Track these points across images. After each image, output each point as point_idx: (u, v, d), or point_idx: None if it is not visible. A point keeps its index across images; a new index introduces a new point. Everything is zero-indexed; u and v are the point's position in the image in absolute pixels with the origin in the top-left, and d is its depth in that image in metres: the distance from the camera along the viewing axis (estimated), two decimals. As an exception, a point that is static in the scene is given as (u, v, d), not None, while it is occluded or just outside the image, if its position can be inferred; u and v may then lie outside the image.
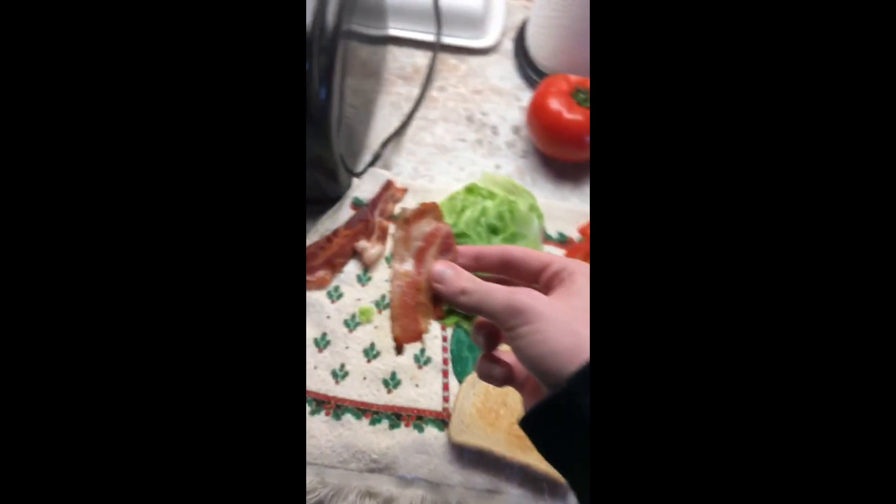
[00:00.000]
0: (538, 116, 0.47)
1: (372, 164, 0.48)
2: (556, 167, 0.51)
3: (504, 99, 0.55)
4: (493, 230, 0.44)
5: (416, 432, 0.38)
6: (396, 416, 0.39)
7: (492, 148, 0.52)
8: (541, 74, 0.54)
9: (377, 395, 0.39)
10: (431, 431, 0.38)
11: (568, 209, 0.47)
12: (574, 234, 0.46)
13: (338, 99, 0.39)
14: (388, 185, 0.47)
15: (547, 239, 0.46)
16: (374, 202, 0.46)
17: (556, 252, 0.45)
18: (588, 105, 0.46)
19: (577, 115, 0.45)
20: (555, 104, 0.46)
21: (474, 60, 0.57)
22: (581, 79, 0.47)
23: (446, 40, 0.56)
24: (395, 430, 0.38)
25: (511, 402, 0.38)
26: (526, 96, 0.55)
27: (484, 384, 0.38)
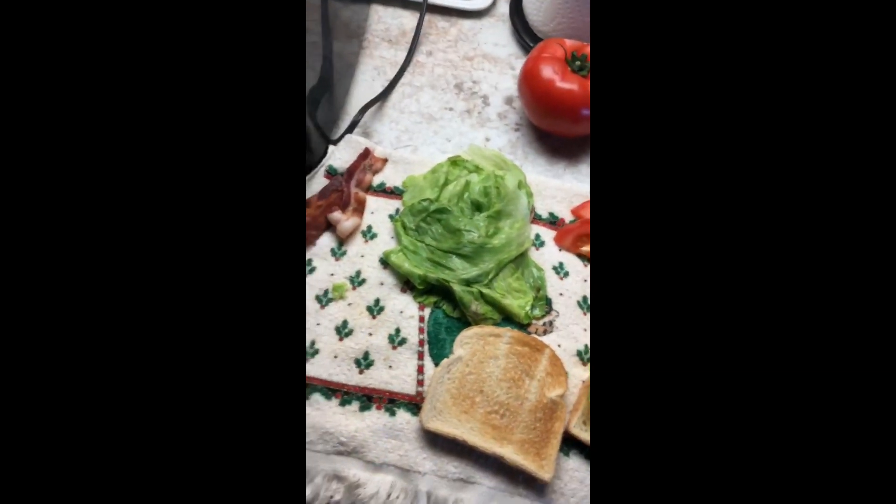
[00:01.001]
0: (529, 85, 0.46)
1: (349, 130, 0.47)
2: (550, 142, 0.50)
3: (497, 67, 0.53)
4: (478, 206, 0.44)
5: (387, 416, 0.38)
6: (368, 398, 0.38)
7: (482, 119, 0.51)
8: (538, 41, 0.53)
9: (348, 375, 0.39)
10: (403, 416, 0.38)
11: (561, 188, 0.47)
12: (566, 215, 0.46)
13: (312, 60, 0.38)
14: (366, 154, 0.46)
15: (536, 219, 0.46)
16: (351, 171, 0.45)
17: (546, 233, 0.45)
18: (585, 74, 0.45)
19: (571, 84, 0.44)
20: (547, 71, 0.45)
21: (466, 24, 0.56)
22: (578, 44, 0.46)
23: (436, 0, 0.55)
24: (366, 413, 0.38)
25: (487, 389, 0.38)
26: (521, 64, 0.53)
27: (460, 368, 0.38)
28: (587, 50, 0.46)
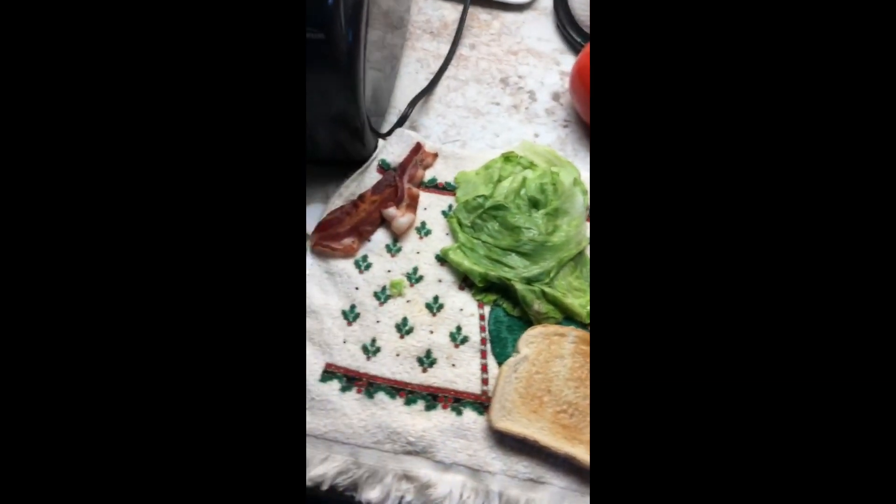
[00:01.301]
0: (582, 81, 0.46)
1: (399, 124, 0.46)
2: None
3: (542, 62, 0.53)
4: (535, 203, 0.44)
5: (454, 415, 0.38)
6: (433, 397, 0.38)
7: (529, 114, 0.51)
8: (584, 36, 0.53)
9: (411, 374, 0.38)
10: (470, 415, 0.38)
11: (610, 184, 0.47)
12: (616, 211, 0.46)
13: (363, 47, 0.38)
14: (418, 148, 0.45)
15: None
16: (403, 166, 0.44)
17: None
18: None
19: (629, 81, 0.44)
20: (606, 68, 0.45)
21: (508, 17, 0.55)
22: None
23: (479, -8, 0.54)
24: (432, 412, 0.38)
25: (555, 389, 0.38)
26: (566, 60, 0.53)
27: (526, 367, 0.38)
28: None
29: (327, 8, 0.34)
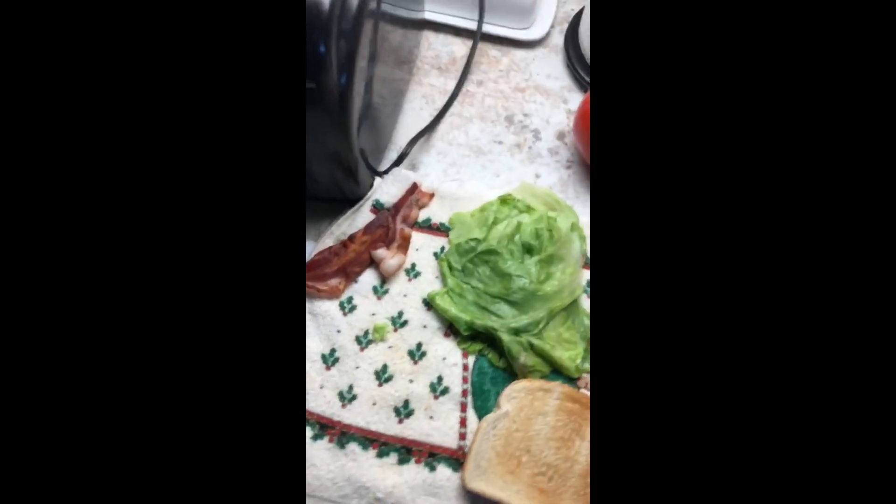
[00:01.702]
0: (587, 122, 0.45)
1: (397, 163, 0.47)
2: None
3: (549, 100, 0.53)
4: (528, 249, 0.43)
5: (426, 471, 0.37)
6: (406, 451, 0.37)
7: (532, 154, 0.50)
8: (593, 75, 0.52)
9: (386, 424, 0.38)
10: (444, 472, 0.37)
11: (613, 230, 0.45)
12: (618, 259, 0.44)
13: (361, 87, 0.38)
14: (413, 189, 0.45)
15: (588, 264, 0.44)
16: (398, 206, 0.44)
17: (597, 278, 0.44)
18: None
19: (633, 126, 0.43)
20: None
21: (518, 53, 0.55)
22: (641, 85, 0.45)
23: (489, 28, 0.54)
24: (404, 466, 0.37)
25: (535, 449, 0.36)
26: (574, 98, 0.52)
27: (506, 424, 0.37)
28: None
29: (318, 58, 0.35)
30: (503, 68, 0.54)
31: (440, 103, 0.51)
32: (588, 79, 0.52)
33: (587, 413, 0.37)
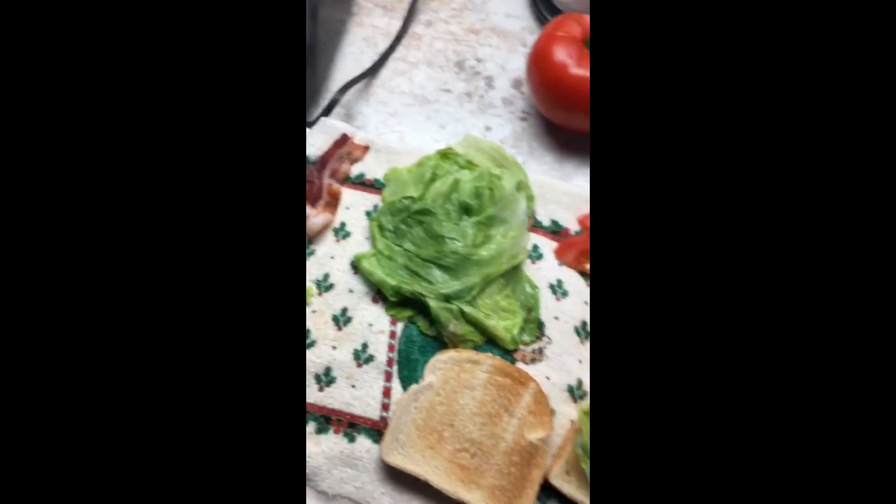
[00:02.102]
0: (539, 69, 0.40)
1: (326, 112, 0.42)
2: (561, 136, 0.45)
3: (507, 43, 0.48)
4: (467, 210, 0.39)
5: (345, 441, 0.35)
6: (325, 420, 0.35)
7: (483, 104, 0.46)
8: (558, 14, 0.46)
9: (306, 392, 0.36)
10: (364, 443, 0.35)
11: (568, 191, 0.42)
12: (571, 224, 0.41)
13: None
14: (343, 140, 0.41)
15: (536, 227, 0.41)
16: (324, 160, 0.40)
17: (546, 244, 0.40)
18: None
19: (587, 71, 0.39)
20: (560, 54, 0.39)
21: (476, -11, 0.50)
22: (599, 23, 0.40)
23: (442, -40, 0.49)
24: (322, 436, 0.35)
25: (459, 424, 0.34)
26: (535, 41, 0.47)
27: (429, 397, 0.34)
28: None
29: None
30: (456, 7, 0.49)
31: (383, 46, 0.47)
32: (549, 17, 0.47)
33: (519, 389, 0.35)
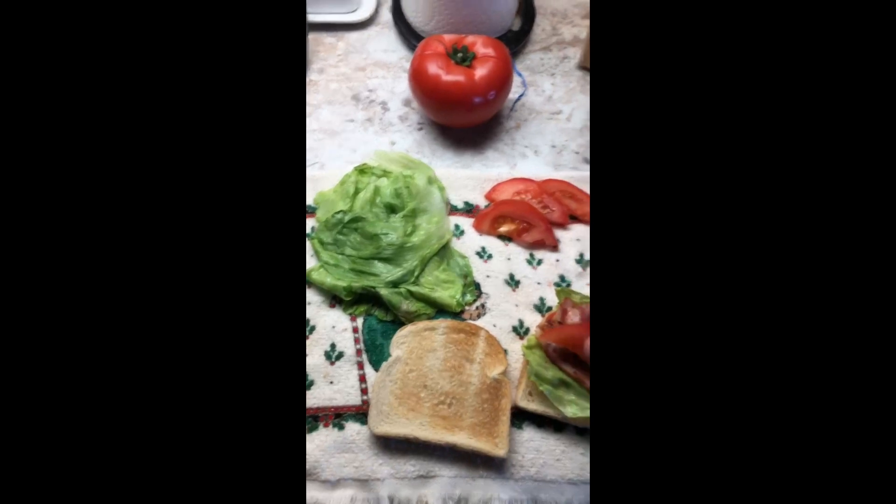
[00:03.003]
0: (418, 83, 0.49)
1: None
2: (453, 135, 0.53)
3: (391, 72, 0.56)
4: (391, 209, 0.46)
5: (336, 431, 0.38)
6: (314, 419, 0.39)
7: (383, 124, 0.53)
8: (422, 38, 0.55)
9: (289, 402, 0.39)
10: (353, 427, 0.39)
11: (471, 176, 0.49)
12: (480, 201, 0.48)
13: None
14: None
15: (453, 210, 0.48)
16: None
17: (464, 222, 0.47)
18: (468, 64, 0.48)
19: (457, 76, 0.47)
20: (432, 68, 0.47)
21: (353, 36, 0.58)
22: (455, 37, 0.49)
23: (317, 18, 0.57)
24: (314, 434, 0.38)
25: (431, 383, 0.39)
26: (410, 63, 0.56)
27: (400, 368, 0.39)
28: (467, 41, 0.49)
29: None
30: (341, 52, 0.57)
31: (286, 96, 0.53)
32: (416, 44, 0.56)
33: (473, 339, 0.41)
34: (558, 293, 0.41)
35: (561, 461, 0.38)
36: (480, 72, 0.48)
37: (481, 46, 0.49)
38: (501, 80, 0.48)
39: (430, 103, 0.49)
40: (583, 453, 0.38)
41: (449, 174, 0.49)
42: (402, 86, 0.55)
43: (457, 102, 0.48)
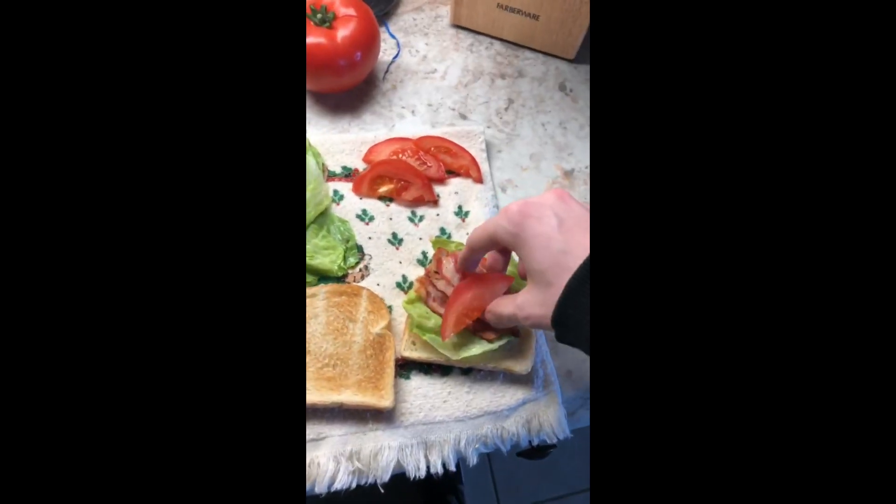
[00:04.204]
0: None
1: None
2: (329, 101, 0.51)
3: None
4: (264, 180, 0.44)
5: (222, 410, 0.37)
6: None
7: (255, 97, 0.51)
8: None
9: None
10: (239, 403, 0.38)
11: (347, 140, 0.48)
12: (359, 164, 0.47)
13: None
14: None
15: (331, 176, 0.47)
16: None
17: (343, 187, 0.46)
18: (328, 25, 0.46)
19: (318, 38, 0.45)
20: (292, 31, 0.45)
21: None
22: (313, -2, 0.47)
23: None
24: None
25: (314, 348, 0.38)
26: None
27: (283, 337, 0.38)
28: (325, 1, 0.47)
29: None
30: None
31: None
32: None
33: (355, 299, 0.40)
34: (434, 243, 0.41)
35: (448, 402, 0.39)
36: (343, 32, 0.46)
37: (341, 6, 0.47)
38: (366, 40, 0.47)
39: (294, 69, 0.47)
40: (468, 391, 0.39)
41: (324, 140, 0.48)
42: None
43: (322, 66, 0.46)
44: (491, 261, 0.38)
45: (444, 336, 0.37)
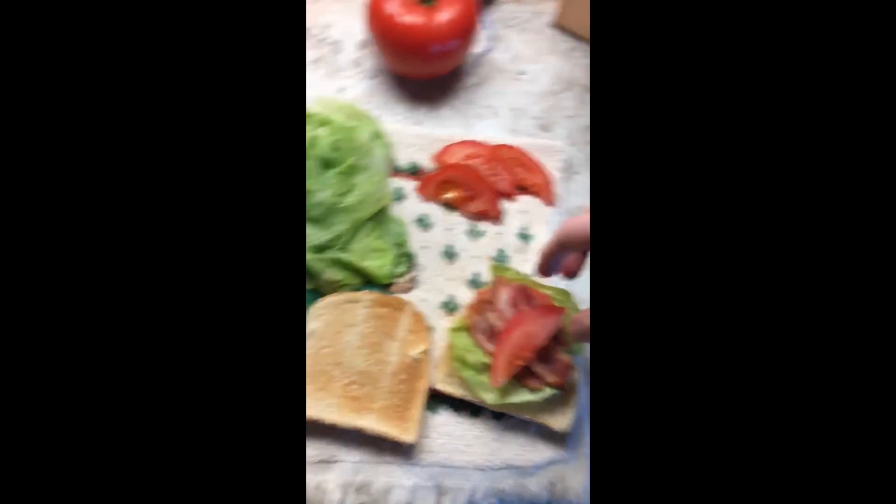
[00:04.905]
0: (372, 22, 0.42)
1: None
2: (410, 87, 0.46)
3: (348, 7, 0.48)
4: (327, 164, 0.40)
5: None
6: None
7: (333, 68, 0.46)
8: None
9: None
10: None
11: (421, 135, 0.44)
12: (427, 163, 0.43)
13: None
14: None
15: (396, 171, 0.43)
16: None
17: (407, 185, 0.42)
18: (432, 3, 0.41)
19: (415, 18, 0.40)
20: (390, 6, 0.40)
21: (309, -40, 0.50)
22: (417, -29, 0.42)
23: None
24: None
25: (346, 361, 0.35)
26: (371, 3, 0.49)
27: (313, 343, 0.35)
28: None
29: None
30: (293, -22, 0.49)
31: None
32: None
33: (397, 315, 0.37)
34: (493, 269, 0.37)
35: (472, 447, 0.35)
36: (443, 15, 0.41)
37: (447, -14, 0.42)
38: (465, 29, 0.42)
39: (384, 46, 0.42)
40: (495, 439, 0.35)
41: (397, 130, 0.43)
42: (359, 25, 0.48)
43: (412, 48, 0.41)
44: (569, 262, 0.33)
45: (494, 381, 0.33)
